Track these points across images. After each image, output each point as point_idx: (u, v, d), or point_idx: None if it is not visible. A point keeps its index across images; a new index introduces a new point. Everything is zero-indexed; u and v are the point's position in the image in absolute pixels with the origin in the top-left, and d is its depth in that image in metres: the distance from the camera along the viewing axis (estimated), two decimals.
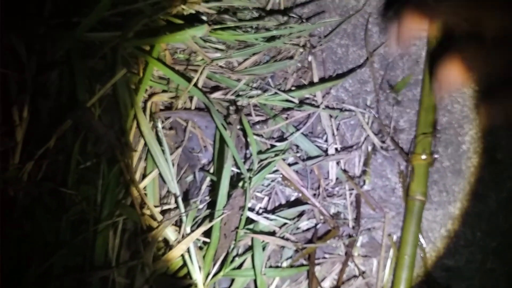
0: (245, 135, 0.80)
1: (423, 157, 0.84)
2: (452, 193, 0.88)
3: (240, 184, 0.77)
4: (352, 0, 0.92)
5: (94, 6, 0.81)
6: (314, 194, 0.83)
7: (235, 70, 0.87)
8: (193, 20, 0.86)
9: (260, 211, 0.81)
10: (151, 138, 0.78)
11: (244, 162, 0.81)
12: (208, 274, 0.75)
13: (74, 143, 0.79)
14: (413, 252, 0.81)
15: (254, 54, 0.88)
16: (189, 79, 0.81)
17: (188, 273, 0.75)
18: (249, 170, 0.79)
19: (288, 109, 0.86)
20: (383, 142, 0.88)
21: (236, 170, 0.79)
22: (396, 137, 0.89)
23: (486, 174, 0.90)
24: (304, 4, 0.91)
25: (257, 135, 0.82)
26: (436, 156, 0.86)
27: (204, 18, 0.87)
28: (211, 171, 0.81)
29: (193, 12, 0.86)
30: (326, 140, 0.86)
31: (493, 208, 0.88)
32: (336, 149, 0.85)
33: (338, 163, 0.85)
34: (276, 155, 0.81)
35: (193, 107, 0.84)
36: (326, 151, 0.85)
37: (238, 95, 0.85)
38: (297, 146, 0.85)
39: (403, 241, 0.82)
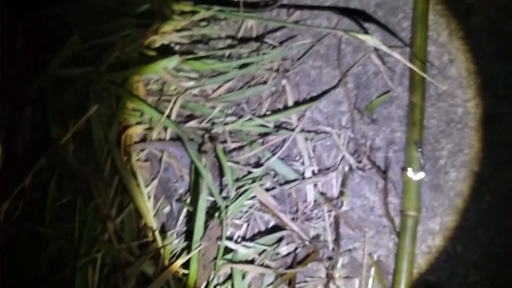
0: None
1: (412, 173, 0.84)
2: (431, 208, 0.88)
3: (217, 214, 0.77)
4: (324, 22, 0.93)
5: (66, 42, 0.81)
6: (293, 218, 0.83)
7: (209, 98, 0.87)
8: (165, 50, 0.87)
9: (239, 239, 0.82)
10: (126, 173, 0.78)
11: (222, 190, 0.81)
12: None
13: (50, 180, 0.78)
14: (409, 269, 0.82)
15: (227, 81, 0.88)
16: (162, 111, 0.81)
17: None
18: (226, 198, 0.79)
19: (264, 134, 0.86)
20: (360, 161, 0.88)
21: (213, 198, 0.79)
22: (372, 156, 0.89)
23: (465, 187, 0.90)
24: (276, 29, 0.91)
25: (234, 162, 0.82)
26: (423, 174, 0.86)
27: (176, 48, 0.87)
28: (189, 200, 0.81)
29: (165, 42, 0.86)
30: (302, 163, 0.86)
31: (473, 222, 0.88)
32: (313, 171, 0.86)
33: (315, 185, 0.85)
34: (253, 181, 0.82)
35: (167, 138, 0.84)
36: (303, 174, 0.85)
37: (213, 123, 0.85)
38: (274, 171, 0.85)
39: (399, 258, 0.84)
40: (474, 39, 0.92)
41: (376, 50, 0.88)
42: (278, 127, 0.86)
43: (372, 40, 0.79)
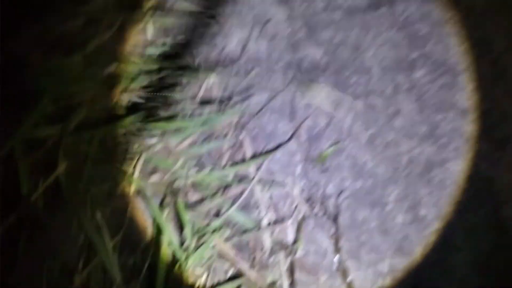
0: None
1: None
2: (380, 252, 0.96)
3: (177, 265, 0.83)
4: (279, 77, 1.01)
5: (37, 103, 0.87)
6: (251, 266, 0.89)
7: (171, 153, 0.94)
8: (131, 109, 0.94)
9: None
10: (92, 227, 0.84)
11: (183, 242, 0.87)
12: None
13: (20, 236, 0.84)
14: None
15: (189, 136, 0.95)
16: (127, 167, 0.88)
17: None
18: (186, 249, 0.85)
19: (224, 185, 0.93)
20: (313, 209, 0.95)
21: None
22: (324, 203, 0.97)
23: (411, 231, 0.98)
24: (235, 87, 0.99)
25: (195, 213, 0.89)
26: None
27: (141, 106, 0.95)
28: (151, 252, 0.87)
29: (131, 101, 0.93)
30: (260, 212, 0.93)
31: (419, 263, 0.95)
32: (269, 220, 0.92)
33: (272, 233, 0.92)
34: (213, 231, 0.88)
35: (132, 191, 0.91)
36: (260, 222, 0.92)
37: (176, 177, 0.92)
38: (234, 220, 0.92)
39: None
40: (417, 91, 1.01)
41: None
42: (237, 178, 0.93)
43: (320, 99, 0.88)
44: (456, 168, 1.00)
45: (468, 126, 1.02)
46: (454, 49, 1.03)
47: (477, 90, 1.04)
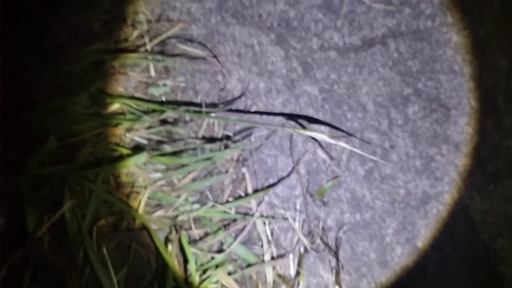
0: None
1: None
2: (380, 283, 0.98)
3: None
4: (278, 115, 1.05)
5: (42, 141, 0.90)
6: None
7: (175, 187, 0.97)
8: (135, 147, 0.97)
9: None
10: (98, 262, 0.86)
11: (187, 276, 0.89)
12: None
13: (24, 272, 0.85)
14: None
15: (192, 171, 0.98)
16: (131, 202, 0.90)
17: None
18: (190, 284, 0.87)
19: (226, 219, 0.95)
20: (313, 242, 0.97)
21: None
22: (325, 237, 0.99)
23: (409, 262, 1.00)
24: (235, 124, 1.03)
25: (198, 248, 0.91)
26: None
27: (145, 143, 0.98)
28: (156, 286, 0.89)
29: (135, 139, 0.96)
30: (262, 246, 0.95)
31: None
32: (271, 254, 0.94)
33: (274, 267, 0.94)
34: (217, 265, 0.90)
35: (136, 226, 0.93)
36: (262, 256, 0.94)
37: (179, 212, 0.94)
38: (236, 254, 0.94)
39: None
40: (411, 126, 1.05)
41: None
42: (239, 212, 0.95)
43: (318, 135, 0.92)
44: (452, 201, 1.03)
45: (462, 160, 1.06)
46: (445, 85, 1.08)
47: (469, 124, 1.07)
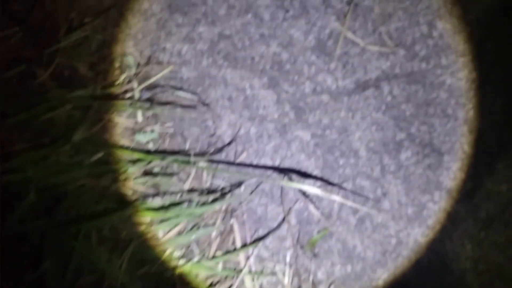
0: None
1: None
2: None
3: None
4: (268, 161, 1.01)
5: (22, 194, 0.85)
6: None
7: (159, 242, 0.92)
8: (120, 199, 0.92)
9: None
10: None
11: None
12: None
13: None
14: None
15: (178, 224, 0.94)
16: (114, 258, 0.86)
17: None
18: None
19: (213, 275, 0.92)
20: None
21: None
22: None
23: None
24: (223, 174, 0.99)
25: None
26: None
27: (130, 195, 0.93)
28: None
29: (119, 191, 0.92)
30: None
31: None
32: None
33: None
34: None
35: (120, 284, 0.88)
36: None
37: (164, 268, 0.90)
38: None
39: None
40: (403, 173, 1.02)
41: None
42: (226, 267, 0.92)
43: (310, 188, 0.89)
44: (443, 249, 1.01)
45: (454, 207, 1.04)
46: (439, 129, 1.05)
47: (461, 169, 1.06)
